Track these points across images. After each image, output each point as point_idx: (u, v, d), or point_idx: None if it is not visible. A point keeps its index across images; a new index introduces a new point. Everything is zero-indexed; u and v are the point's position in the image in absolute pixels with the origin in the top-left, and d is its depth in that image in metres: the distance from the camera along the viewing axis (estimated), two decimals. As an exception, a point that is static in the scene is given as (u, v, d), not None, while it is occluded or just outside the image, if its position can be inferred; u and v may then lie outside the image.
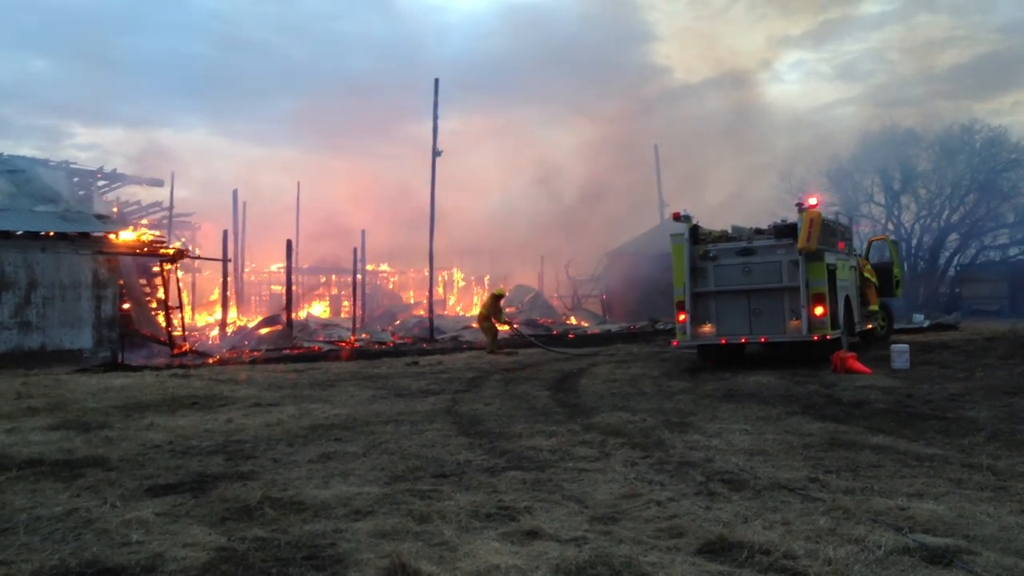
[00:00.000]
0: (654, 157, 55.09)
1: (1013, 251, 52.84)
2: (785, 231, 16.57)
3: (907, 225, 52.79)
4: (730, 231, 17.60)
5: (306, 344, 27.20)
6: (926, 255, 51.94)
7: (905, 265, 30.08)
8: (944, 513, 5.96)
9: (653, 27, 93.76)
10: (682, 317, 17.01)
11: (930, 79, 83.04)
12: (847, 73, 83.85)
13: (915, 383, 13.58)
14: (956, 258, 53.04)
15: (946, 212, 52.97)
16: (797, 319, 16.12)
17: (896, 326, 24.31)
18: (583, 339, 28.62)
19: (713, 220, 18.37)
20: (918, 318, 30.80)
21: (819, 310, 16.00)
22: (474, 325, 28.46)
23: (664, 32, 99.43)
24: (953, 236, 53.17)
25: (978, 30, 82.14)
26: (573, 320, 39.14)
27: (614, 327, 32.88)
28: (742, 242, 16.95)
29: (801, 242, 15.96)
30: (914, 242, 50.18)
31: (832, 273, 16.58)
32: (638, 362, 19.34)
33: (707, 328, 16.87)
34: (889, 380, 14.00)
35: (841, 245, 17.75)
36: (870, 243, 22.80)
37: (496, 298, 25.23)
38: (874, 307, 20.36)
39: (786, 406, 11.53)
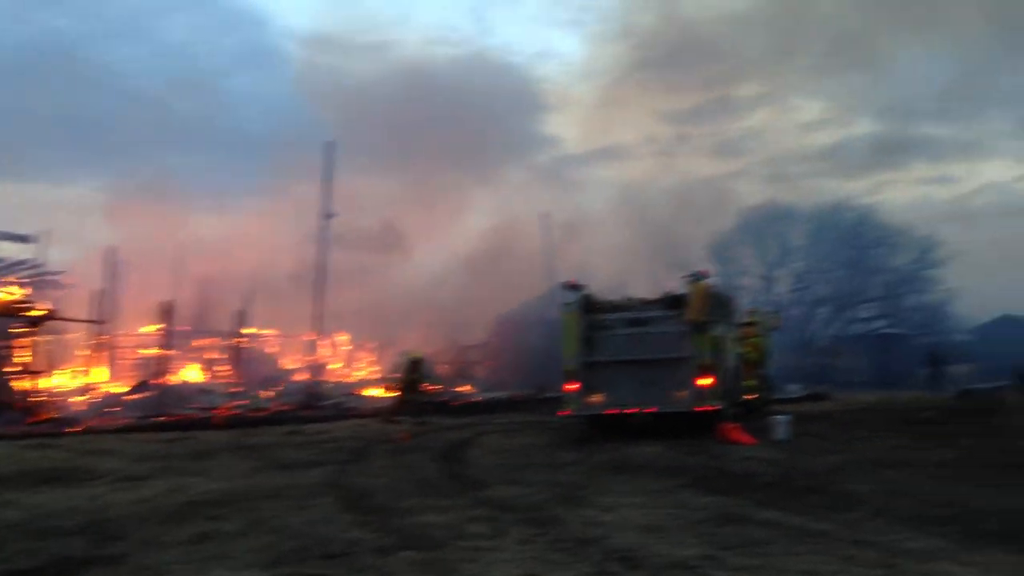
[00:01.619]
0: (543, 225, 55.96)
1: (878, 324, 55.57)
2: (675, 302, 16.85)
3: (782, 297, 54.87)
4: (621, 301, 17.78)
5: (180, 411, 26.02)
6: (799, 326, 53.86)
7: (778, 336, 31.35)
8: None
9: (543, 98, 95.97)
10: (572, 386, 16.98)
11: (804, 159, 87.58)
12: (728, 150, 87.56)
13: (796, 454, 13.85)
14: (826, 330, 55.39)
15: (818, 285, 55.47)
16: (684, 390, 16.30)
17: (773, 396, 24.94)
18: (469, 407, 28.32)
19: (600, 289, 18.51)
20: (793, 388, 31.78)
21: (706, 381, 16.23)
22: (364, 392, 27.79)
23: (554, 103, 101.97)
24: (824, 309, 55.62)
25: (848, 114, 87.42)
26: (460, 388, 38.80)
27: (501, 395, 32.72)
28: (633, 312, 17.14)
29: (690, 313, 16.25)
30: (788, 314, 51.96)
31: (718, 344, 16.91)
32: (527, 431, 19.20)
33: (596, 398, 16.87)
34: (772, 451, 14.24)
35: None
36: (749, 314, 23.42)
37: (415, 363, 24.42)
38: (751, 381, 20.81)
39: (677, 478, 11.53)
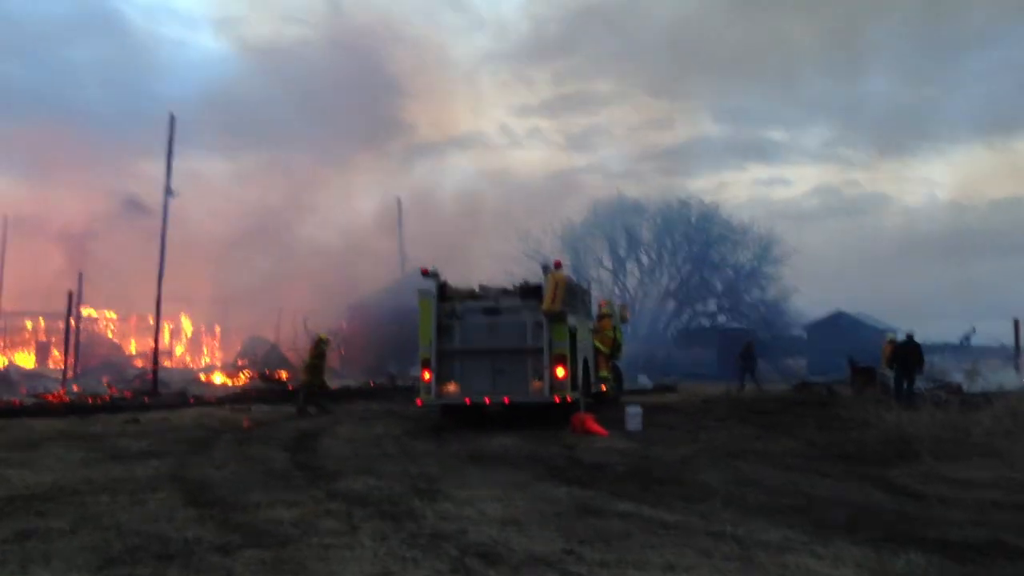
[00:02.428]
0: (396, 211, 55.32)
1: (721, 318, 57.81)
2: (530, 292, 16.83)
3: (631, 289, 56.31)
4: (477, 289, 17.62)
5: (6, 397, 24.17)
6: (647, 319, 55.34)
7: (628, 328, 32.01)
8: (696, 586, 5.98)
9: (400, 82, 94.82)
10: (427, 375, 16.73)
11: (650, 156, 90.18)
12: (579, 144, 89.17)
13: (648, 445, 14.08)
14: (672, 323, 57.19)
15: (665, 279, 57.21)
16: (539, 380, 16.32)
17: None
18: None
19: (453, 277, 18.27)
20: (643, 380, 32.55)
21: (560, 372, 16.30)
22: (205, 378, 26.54)
23: (410, 88, 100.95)
24: (671, 302, 57.41)
25: (692, 115, 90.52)
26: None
27: (353, 382, 32.08)
28: (488, 301, 17.02)
29: (546, 303, 16.26)
30: (637, 306, 53.30)
31: (573, 335, 17.00)
32: (380, 420, 18.77)
33: (451, 387, 16.68)
34: (625, 442, 14.43)
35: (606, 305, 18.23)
36: (602, 305, 23.73)
37: (319, 344, 22.93)
38: (604, 373, 21.09)
39: (532, 470, 11.47)
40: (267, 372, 33.20)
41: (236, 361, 40.93)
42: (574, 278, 20.23)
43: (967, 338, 46.56)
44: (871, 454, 12.86)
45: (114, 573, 6.46)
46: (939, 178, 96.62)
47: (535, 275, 18.41)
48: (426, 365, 16.75)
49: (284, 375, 32.84)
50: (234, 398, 25.45)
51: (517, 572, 6.44)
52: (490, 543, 7.24)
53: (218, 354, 49.23)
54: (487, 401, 16.61)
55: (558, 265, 16.88)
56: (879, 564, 6.66)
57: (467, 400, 16.63)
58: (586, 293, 20.66)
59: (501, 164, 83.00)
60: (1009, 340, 37.08)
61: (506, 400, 16.57)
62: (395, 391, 28.10)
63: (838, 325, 55.42)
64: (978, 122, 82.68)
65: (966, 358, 38.63)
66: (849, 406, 19.57)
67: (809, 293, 55.02)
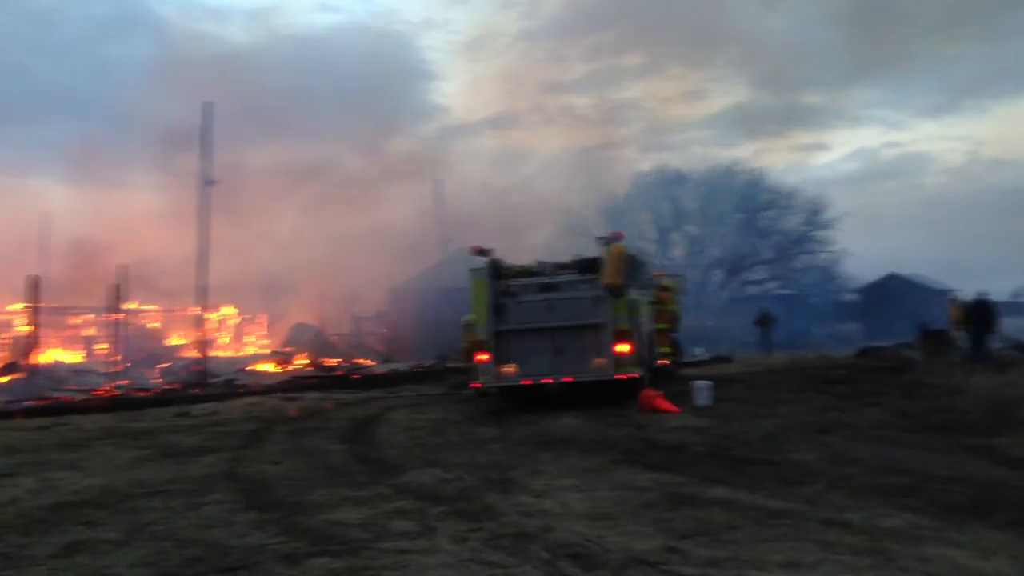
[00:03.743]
0: (435, 193, 54.67)
1: (771, 285, 56.52)
2: (588, 266, 16.01)
3: (677, 261, 55.16)
4: (531, 265, 16.83)
5: (54, 394, 23.94)
6: (694, 289, 54.26)
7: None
8: (835, 589, 5.19)
9: (431, 67, 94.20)
10: (483, 357, 15.99)
11: (686, 127, 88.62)
12: (613, 119, 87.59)
13: (725, 422, 13.22)
14: (721, 292, 56.03)
15: (712, 248, 55.98)
16: (601, 357, 15.52)
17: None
18: (370, 379, 27.06)
19: (505, 255, 17.44)
20: (698, 351, 31.61)
21: (624, 347, 15.49)
22: (256, 368, 26.06)
23: (442, 72, 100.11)
24: (718, 272, 56.23)
25: (726, 84, 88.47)
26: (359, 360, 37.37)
27: (401, 366, 31.55)
28: (545, 277, 16.23)
29: (606, 277, 15.44)
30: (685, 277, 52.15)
31: (635, 309, 16.18)
32: (435, 405, 18.12)
33: (509, 368, 15.94)
34: (698, 419, 13.59)
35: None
36: (660, 277, 22.83)
37: None
38: (665, 348, 20.26)
39: (607, 454, 10.71)
40: (318, 359, 32.81)
41: (283, 348, 40.61)
42: (634, 250, 19.32)
43: (1018, 295, 44.92)
44: (971, 423, 11.88)
45: (172, 592, 5.84)
46: (981, 135, 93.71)
47: (580, 251, 17.61)
48: (482, 346, 16.02)
49: (334, 362, 32.41)
50: (284, 386, 25.01)
51: (619, 576, 5.70)
52: (581, 542, 6.51)
53: (264, 342, 49.01)
54: (548, 381, 15.83)
55: (617, 236, 16.03)
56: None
57: (527, 381, 15.88)
58: (645, 265, 19.77)
59: (536, 142, 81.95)
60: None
61: (567, 380, 15.78)
62: (446, 373, 27.47)
63: (891, 287, 53.96)
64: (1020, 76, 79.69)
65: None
66: (929, 372, 18.52)
67: (859, 257, 53.60)
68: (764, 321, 35.21)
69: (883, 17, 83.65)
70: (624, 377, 15.49)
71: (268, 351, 43.44)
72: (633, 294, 16.25)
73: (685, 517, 7.19)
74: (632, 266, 16.59)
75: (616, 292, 15.55)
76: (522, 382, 15.97)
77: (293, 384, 25.46)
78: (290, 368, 32.61)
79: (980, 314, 22.70)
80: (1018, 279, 42.63)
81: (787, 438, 11.35)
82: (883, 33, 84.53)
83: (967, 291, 23.75)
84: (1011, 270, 54.72)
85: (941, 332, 25.11)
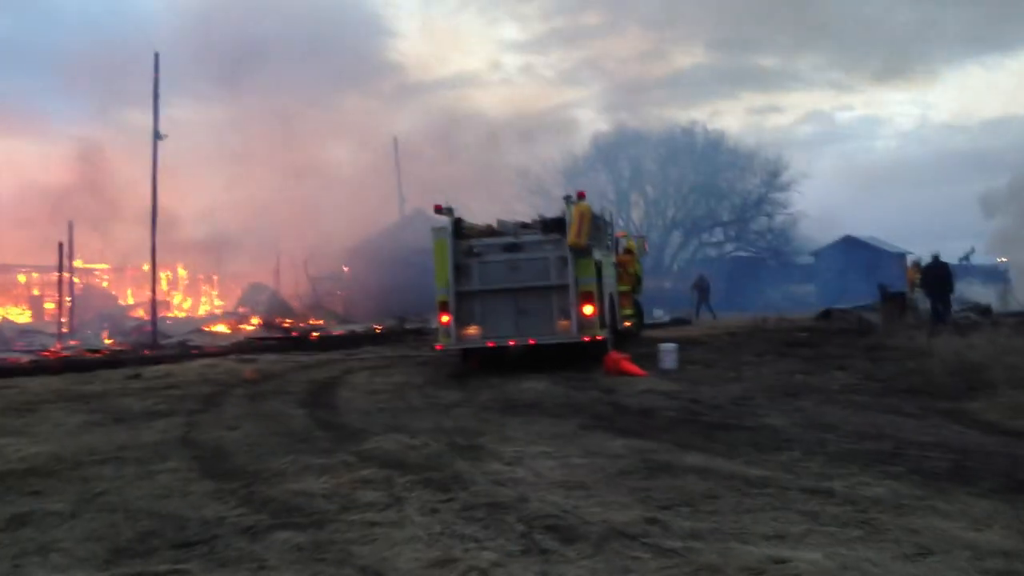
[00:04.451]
0: (392, 152, 53.75)
1: (728, 248, 56.75)
2: (553, 225, 15.70)
3: (636, 222, 55.12)
4: (494, 225, 16.46)
5: (1, 356, 23.16)
6: (653, 251, 54.37)
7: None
8: (826, 565, 4.97)
9: (388, 23, 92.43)
10: (445, 319, 15.66)
11: (643, 88, 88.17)
12: (571, 79, 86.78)
13: (693, 385, 13.09)
14: (679, 254, 56.17)
15: (670, 210, 56.01)
16: (566, 319, 15.27)
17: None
18: (327, 341, 26.60)
19: (469, 214, 17.04)
20: (658, 313, 31.59)
21: (589, 309, 15.25)
22: (206, 327, 25.42)
23: (399, 28, 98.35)
24: (677, 233, 56.30)
25: (684, 45, 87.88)
26: (315, 320, 36.80)
27: (359, 327, 31.10)
28: (508, 237, 15.88)
29: (571, 237, 15.13)
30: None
31: (599, 270, 15.93)
32: (396, 368, 17.76)
33: (472, 330, 15.62)
34: (666, 382, 13.44)
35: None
36: (623, 238, 22.61)
37: None
38: (628, 310, 20.09)
39: (576, 418, 10.48)
40: (274, 319, 32.21)
41: (237, 309, 39.87)
42: (603, 209, 19.04)
43: (966, 257, 45.59)
44: (939, 386, 11.84)
45: (123, 570, 5.46)
46: (933, 100, 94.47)
47: (540, 211, 17.25)
48: (444, 308, 15.67)
49: (289, 323, 31.84)
50: (239, 348, 24.45)
51: (600, 550, 5.45)
52: (558, 513, 6.25)
53: (217, 303, 48.10)
54: (511, 343, 15.55)
55: (582, 196, 15.70)
56: (1025, 523, 5.66)
57: (490, 343, 15.58)
58: (609, 226, 19.50)
59: (494, 101, 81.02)
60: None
61: (532, 342, 15.51)
62: (405, 334, 27.10)
63: (846, 250, 54.42)
64: (971, 41, 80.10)
65: (978, 278, 37.79)
66: (891, 334, 18.58)
67: (813, 219, 53.95)
68: (700, 285, 35.60)
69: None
70: (589, 340, 15.27)
71: (222, 312, 42.66)
72: (598, 255, 16.00)
73: (662, 486, 6.95)
74: (597, 226, 16.32)
75: (581, 253, 15.27)
76: (486, 344, 15.68)
77: (249, 346, 24.91)
78: (245, 329, 31.99)
79: (938, 276, 22.89)
80: (968, 242, 43.14)
81: (757, 402, 11.22)
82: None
83: (921, 254, 23.90)
84: (962, 233, 55.59)
85: (900, 294, 25.31)
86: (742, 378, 13.59)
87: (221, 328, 33.03)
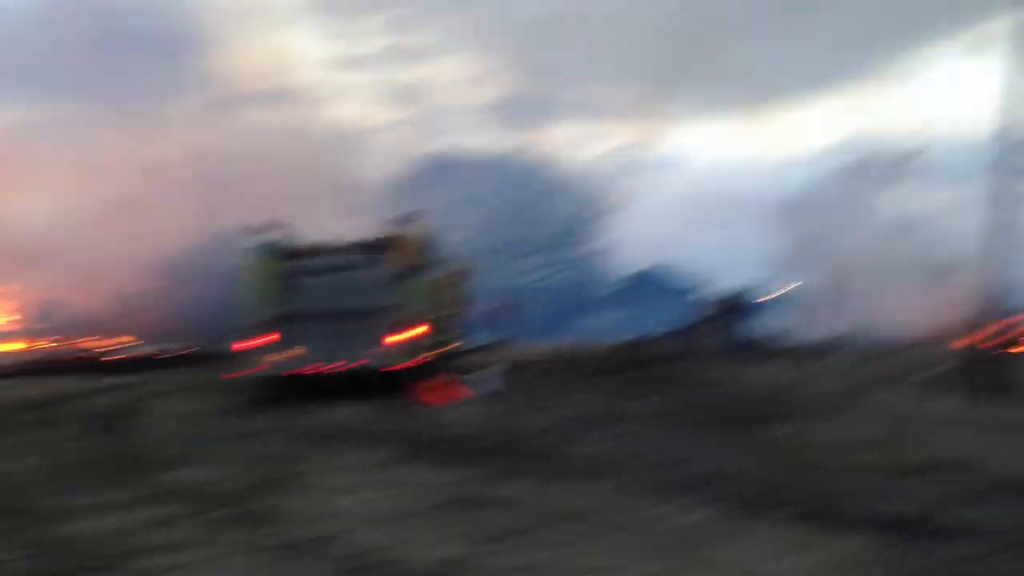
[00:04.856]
0: (208, 165, 51.50)
1: (543, 274, 58.00)
2: (380, 246, 15.37)
3: (457, 246, 55.25)
4: (319, 244, 15.96)
5: None
6: (473, 275, 54.41)
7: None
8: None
9: (212, 32, 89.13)
10: (263, 340, 14.99)
11: (472, 111, 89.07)
12: (402, 98, 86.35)
13: (512, 412, 13.18)
14: (500, 278, 56.74)
15: (489, 235, 56.55)
16: (391, 342, 14.96)
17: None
18: (133, 362, 25.03)
19: (290, 233, 16.41)
20: (480, 337, 31.62)
21: (414, 331, 15.02)
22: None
23: (224, 39, 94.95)
24: (499, 257, 56.90)
25: (506, 71, 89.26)
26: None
27: (170, 347, 29.48)
28: (333, 257, 15.42)
29: (399, 258, 14.88)
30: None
31: (426, 292, 15.74)
32: (206, 392, 16.84)
33: (292, 353, 15.02)
34: (485, 408, 13.48)
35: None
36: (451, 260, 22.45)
37: None
38: (452, 332, 19.95)
39: (396, 446, 10.24)
40: (69, 340, 30.00)
41: (33, 326, 36.90)
42: (430, 230, 18.87)
43: (765, 288, 48.45)
44: (743, 413, 12.41)
45: None
46: (747, 134, 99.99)
47: (366, 232, 16.94)
48: (262, 329, 15.01)
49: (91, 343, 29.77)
50: (29, 370, 22.61)
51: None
52: (376, 549, 6.00)
53: (13, 318, 44.33)
54: (332, 367, 15.06)
55: (411, 217, 15.50)
56: (824, 550, 5.87)
57: (310, 367, 15.03)
58: (436, 248, 19.30)
59: (319, 118, 79.31)
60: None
61: (356, 365, 15.06)
62: (218, 356, 25.87)
63: (657, 279, 56.74)
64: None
65: (774, 310, 40.19)
66: (693, 362, 19.41)
67: (627, 247, 55.91)
68: (506, 311, 36.10)
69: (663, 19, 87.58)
70: (413, 364, 15.02)
71: (17, 328, 39.33)
72: (425, 277, 15.83)
73: (479, 519, 6.82)
74: (425, 248, 16.15)
75: (409, 274, 15.05)
76: (306, 368, 15.10)
77: (43, 366, 23.09)
78: (41, 348, 29.67)
79: (737, 307, 24.26)
80: (769, 272, 45.83)
81: (573, 430, 11.36)
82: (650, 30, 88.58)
83: (723, 284, 25.22)
84: (766, 264, 59.01)
85: (703, 323, 26.49)
86: (561, 404, 13.77)
87: (13, 346, 30.47)
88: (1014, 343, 22.62)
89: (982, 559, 5.76)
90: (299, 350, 15.01)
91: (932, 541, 6.16)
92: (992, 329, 14.37)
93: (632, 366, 19.91)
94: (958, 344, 20.70)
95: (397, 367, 14.94)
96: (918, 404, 12.80)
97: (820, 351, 20.63)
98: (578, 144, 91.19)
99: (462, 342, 21.56)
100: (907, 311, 24.95)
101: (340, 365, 15.04)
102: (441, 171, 56.68)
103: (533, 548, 6.02)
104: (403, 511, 7.08)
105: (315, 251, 15.67)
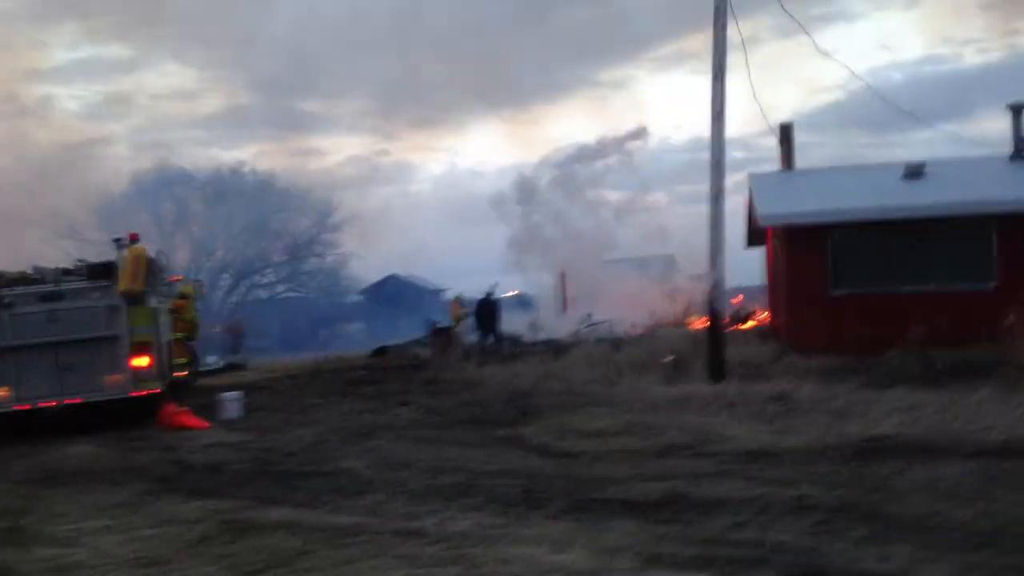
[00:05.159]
0: None
1: (280, 289, 56.52)
2: (100, 271, 14.22)
3: (183, 265, 52.54)
4: (26, 272, 14.52)
5: None
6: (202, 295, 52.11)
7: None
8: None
9: None
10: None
11: (180, 126, 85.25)
12: (100, 113, 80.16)
13: (261, 434, 12.64)
14: (229, 297, 54.62)
15: (220, 252, 54.30)
16: (117, 373, 13.88)
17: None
18: None
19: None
20: (210, 360, 30.18)
21: (144, 361, 14.00)
22: None
23: None
24: (226, 276, 54.73)
25: (224, 85, 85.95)
26: None
27: None
28: (46, 284, 14.06)
29: (125, 283, 13.83)
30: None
31: (155, 318, 14.77)
32: None
33: (2, 392, 13.53)
34: (233, 434, 12.81)
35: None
36: (178, 282, 21.21)
37: None
38: (183, 359, 18.90)
39: (137, 482, 9.50)
40: None
41: None
42: (158, 252, 17.74)
43: (490, 293, 50.48)
44: (495, 415, 12.76)
45: None
46: (459, 147, 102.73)
47: (75, 256, 15.69)
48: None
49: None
50: None
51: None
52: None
53: None
54: (51, 404, 13.75)
55: (134, 238, 14.47)
56: (597, 538, 6.18)
57: (22, 406, 13.60)
58: (162, 270, 18.16)
59: (12, 135, 72.05)
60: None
61: (75, 401, 13.85)
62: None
63: (392, 288, 57.15)
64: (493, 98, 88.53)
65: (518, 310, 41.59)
66: (443, 367, 19.69)
67: (362, 259, 55.78)
68: (233, 329, 35.41)
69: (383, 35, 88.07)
70: (144, 394, 14.03)
71: None
72: (153, 302, 14.86)
73: (250, 548, 6.51)
74: (151, 271, 15.15)
75: (135, 300, 14.03)
76: (15, 407, 13.65)
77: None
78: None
79: (485, 310, 24.96)
80: (493, 278, 47.46)
81: (331, 445, 11.15)
82: (381, 47, 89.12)
83: (460, 290, 25.83)
84: (494, 268, 60.99)
85: (448, 329, 26.94)
86: (310, 421, 13.44)
87: None
88: (744, 320, 25.16)
89: (744, 526, 6.32)
90: (10, 388, 13.54)
91: (694, 514, 6.69)
92: (722, 311, 15.78)
93: (380, 376, 19.83)
94: (693, 327, 22.67)
95: (129, 395, 13.91)
96: (662, 388, 13.74)
97: (565, 346, 21.59)
98: (313, 156, 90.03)
99: (193, 366, 20.48)
100: (645, 302, 26.79)
101: (58, 402, 13.77)
102: (164, 187, 53.67)
103: (311, 572, 5.86)
104: (159, 551, 6.58)
105: (25, 279, 14.23)
